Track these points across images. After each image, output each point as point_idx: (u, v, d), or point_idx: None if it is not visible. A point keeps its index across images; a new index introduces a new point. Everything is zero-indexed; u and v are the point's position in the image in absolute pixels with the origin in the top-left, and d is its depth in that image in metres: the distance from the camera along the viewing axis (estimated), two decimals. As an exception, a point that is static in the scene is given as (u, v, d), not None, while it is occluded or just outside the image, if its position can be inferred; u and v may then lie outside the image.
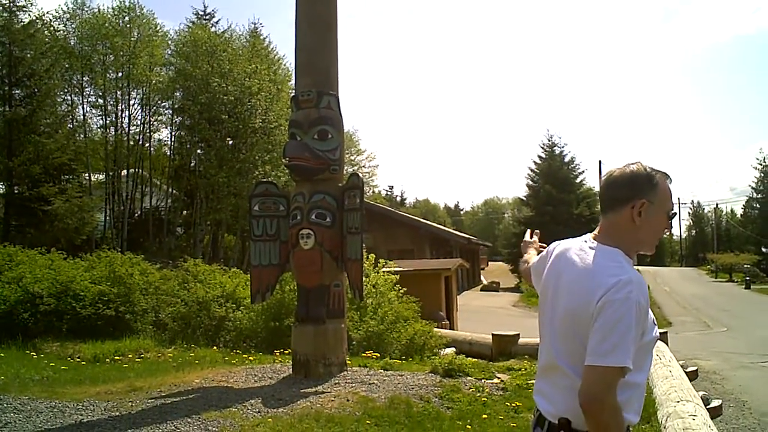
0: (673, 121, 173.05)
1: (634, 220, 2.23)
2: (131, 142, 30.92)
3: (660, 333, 7.86)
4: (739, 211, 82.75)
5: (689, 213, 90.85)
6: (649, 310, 2.20)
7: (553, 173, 48.38)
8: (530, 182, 51.64)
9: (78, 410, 6.55)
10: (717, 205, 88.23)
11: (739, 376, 11.33)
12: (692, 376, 8.58)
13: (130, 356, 10.66)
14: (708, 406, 5.96)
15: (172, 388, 7.72)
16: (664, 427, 4.27)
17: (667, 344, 8.40)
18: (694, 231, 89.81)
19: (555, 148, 50.86)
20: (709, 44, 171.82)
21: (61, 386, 7.92)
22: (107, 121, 29.89)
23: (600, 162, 45.32)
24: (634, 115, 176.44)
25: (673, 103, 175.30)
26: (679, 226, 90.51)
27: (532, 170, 51.62)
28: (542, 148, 51.53)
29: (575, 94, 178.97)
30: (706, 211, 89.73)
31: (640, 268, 43.49)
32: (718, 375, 11.35)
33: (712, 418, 4.79)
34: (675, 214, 2.29)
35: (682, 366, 7.48)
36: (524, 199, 53.91)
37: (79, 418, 6.27)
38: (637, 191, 2.23)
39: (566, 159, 50.54)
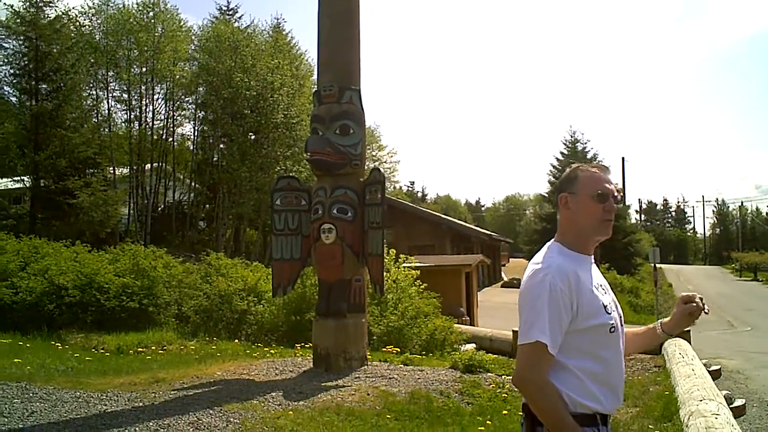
0: (698, 117, 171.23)
1: (564, 213, 2.46)
2: (155, 137, 31.19)
3: (682, 332, 7.79)
4: (764, 210, 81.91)
5: (714, 211, 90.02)
6: (598, 295, 2.32)
7: (576, 170, 47.95)
8: (552, 179, 51.32)
9: (102, 400, 6.64)
10: (742, 203, 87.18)
11: (763, 375, 11.19)
12: (715, 375, 8.49)
13: (153, 348, 10.78)
14: (731, 405, 5.90)
15: (195, 380, 7.80)
16: (687, 426, 4.24)
17: (689, 343, 8.32)
18: (719, 229, 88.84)
19: (577, 144, 50.57)
20: (736, 39, 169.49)
21: (86, 377, 8.02)
22: (131, 116, 30.18)
23: (623, 159, 45.08)
24: (659, 111, 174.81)
25: (698, 99, 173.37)
26: (704, 225, 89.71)
27: (554, 166, 51.34)
28: (564, 144, 51.28)
29: (599, 90, 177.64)
30: (731, 209, 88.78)
31: (662, 266, 43.09)
32: (742, 374, 11.23)
33: (735, 418, 4.75)
34: (602, 194, 2.38)
35: (705, 365, 7.41)
36: (546, 195, 53.65)
37: (103, 408, 6.35)
38: (560, 189, 2.49)
39: (589, 155, 50.15)
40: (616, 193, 2.41)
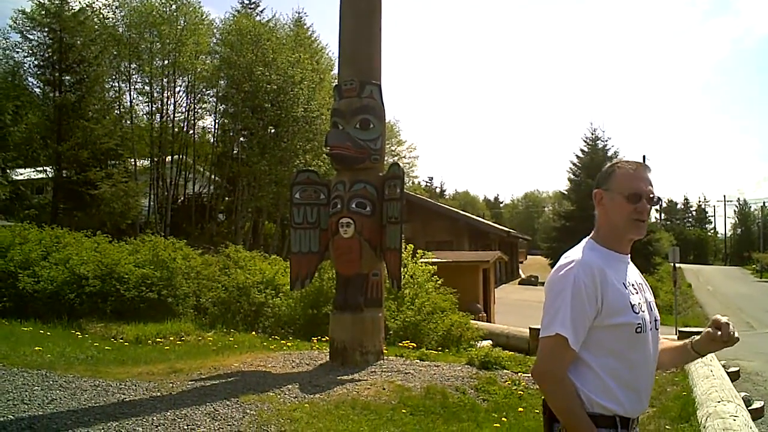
0: (721, 116, 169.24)
1: (598, 210, 2.45)
2: (176, 129, 31.42)
3: (701, 332, 7.73)
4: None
5: (735, 211, 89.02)
6: (626, 294, 2.28)
7: (596, 167, 47.38)
8: (572, 176, 51.00)
9: (121, 389, 6.71)
10: (764, 203, 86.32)
11: (783, 378, 11.07)
12: (734, 376, 8.42)
13: (171, 339, 10.86)
14: (749, 408, 5.86)
15: (212, 371, 7.85)
16: (704, 427, 4.22)
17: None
18: (740, 230, 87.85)
19: (598, 141, 50.16)
20: (762, 37, 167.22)
21: (105, 366, 8.10)
22: (153, 108, 30.44)
23: (644, 157, 44.70)
24: (681, 109, 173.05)
25: (722, 98, 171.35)
26: (724, 225, 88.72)
27: (574, 164, 50.98)
28: (585, 141, 50.87)
29: (621, 87, 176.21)
30: (752, 209, 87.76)
31: (682, 265, 42.72)
32: (761, 376, 11.11)
33: (753, 420, 4.71)
34: (635, 194, 2.34)
35: (723, 366, 7.36)
36: (565, 193, 53.35)
37: (121, 397, 6.42)
38: (596, 185, 2.49)
39: (609, 153, 49.73)
40: (651, 195, 2.36)
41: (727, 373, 6.98)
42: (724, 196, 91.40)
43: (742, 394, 6.19)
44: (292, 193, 9.06)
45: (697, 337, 2.42)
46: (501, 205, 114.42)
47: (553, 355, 2.24)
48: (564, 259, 2.33)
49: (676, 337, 8.75)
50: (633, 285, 2.35)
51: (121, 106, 30.35)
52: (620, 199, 2.35)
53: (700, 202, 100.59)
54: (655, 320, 2.40)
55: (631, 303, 2.27)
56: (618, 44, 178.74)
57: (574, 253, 2.34)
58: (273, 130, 30.08)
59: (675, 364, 2.70)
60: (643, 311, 2.31)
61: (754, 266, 56.75)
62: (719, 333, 2.29)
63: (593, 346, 2.25)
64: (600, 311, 2.22)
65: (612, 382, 2.24)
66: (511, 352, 10.53)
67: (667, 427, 6.42)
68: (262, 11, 35.76)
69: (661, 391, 8.14)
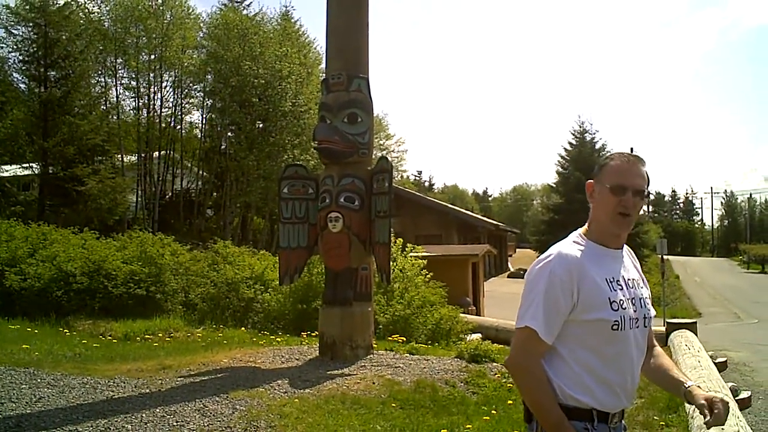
0: (708, 108, 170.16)
1: (590, 202, 2.42)
2: (163, 125, 31.28)
3: (689, 323, 7.75)
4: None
5: (722, 203, 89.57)
6: (606, 289, 2.24)
7: (584, 160, 47.77)
8: (560, 169, 51.19)
9: (109, 387, 6.67)
10: (751, 195, 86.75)
11: (770, 368, 11.16)
12: (721, 367, 8.47)
13: (160, 335, 10.82)
14: (736, 398, 5.89)
15: (201, 367, 7.83)
16: (692, 417, 4.23)
17: (696, 334, 8.31)
18: (727, 221, 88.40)
19: (586, 134, 50.38)
20: (749, 28, 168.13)
21: (93, 363, 8.06)
22: (140, 103, 30.28)
23: (631, 149, 44.71)
24: (668, 101, 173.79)
25: (709, 89, 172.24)
26: (711, 216, 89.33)
27: (562, 157, 51.18)
28: (573, 134, 51.09)
29: (608, 79, 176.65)
30: (739, 200, 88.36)
31: (670, 257, 42.98)
32: (748, 367, 11.20)
33: (740, 410, 4.74)
34: (619, 186, 2.29)
35: (711, 357, 7.39)
36: (554, 186, 53.53)
37: (110, 394, 6.39)
38: (591, 176, 2.45)
39: (597, 146, 49.99)
40: (639, 188, 2.30)
41: (715, 363, 7.02)
42: (711, 188, 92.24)
43: (730, 384, 6.22)
44: (281, 187, 9.04)
45: (695, 391, 2.24)
46: (490, 198, 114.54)
47: (524, 347, 2.26)
48: (546, 253, 2.33)
49: (664, 328, 8.80)
50: (620, 281, 2.31)
51: (108, 102, 30.19)
52: (606, 191, 2.31)
53: (687, 193, 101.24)
54: (645, 317, 2.35)
55: (610, 299, 2.23)
56: (606, 35, 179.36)
57: (555, 247, 2.33)
58: (261, 125, 29.97)
59: (663, 388, 2.64)
60: (625, 308, 2.25)
61: (741, 257, 57.10)
62: (706, 415, 2.11)
63: (568, 339, 2.24)
64: (576, 305, 2.21)
65: (586, 376, 2.22)
66: (500, 345, 10.52)
67: (655, 417, 6.46)
68: (249, 5, 35.56)
69: (649, 381, 8.19)
